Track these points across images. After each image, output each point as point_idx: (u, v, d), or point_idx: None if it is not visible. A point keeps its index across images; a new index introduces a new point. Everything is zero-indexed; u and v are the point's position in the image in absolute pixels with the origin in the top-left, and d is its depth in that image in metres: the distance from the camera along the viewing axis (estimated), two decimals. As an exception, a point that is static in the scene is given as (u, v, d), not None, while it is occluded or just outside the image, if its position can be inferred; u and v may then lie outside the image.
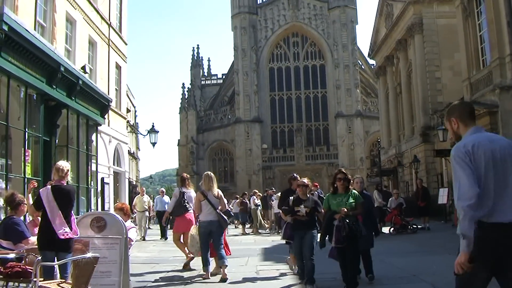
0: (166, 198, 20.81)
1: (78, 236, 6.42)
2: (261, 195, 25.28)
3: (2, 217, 9.08)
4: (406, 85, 33.34)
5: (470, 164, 3.57)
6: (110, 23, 20.47)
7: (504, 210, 3.53)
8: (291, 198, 8.34)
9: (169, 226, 18.43)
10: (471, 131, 3.79)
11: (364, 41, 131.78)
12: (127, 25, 24.13)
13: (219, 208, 9.29)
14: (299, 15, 60.39)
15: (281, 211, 8.84)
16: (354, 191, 7.76)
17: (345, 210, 7.34)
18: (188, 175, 12.12)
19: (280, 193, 14.18)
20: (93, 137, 17.48)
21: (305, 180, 8.38)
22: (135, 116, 57.51)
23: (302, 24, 60.55)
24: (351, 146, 56.97)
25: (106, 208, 17.84)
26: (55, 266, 5.99)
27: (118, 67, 21.44)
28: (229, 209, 10.16)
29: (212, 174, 9.86)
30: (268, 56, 60.99)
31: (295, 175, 9.64)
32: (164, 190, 23.39)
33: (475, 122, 3.88)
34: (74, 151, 15.35)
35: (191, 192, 11.28)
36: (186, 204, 11.02)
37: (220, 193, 9.57)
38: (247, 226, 23.90)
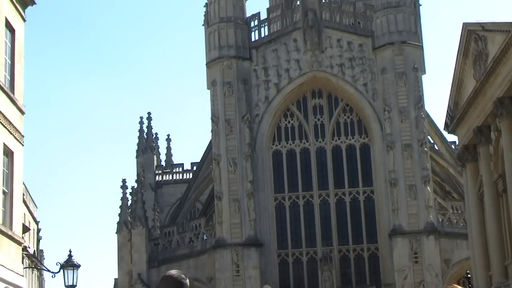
0: None
1: None
2: None
3: None
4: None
5: None
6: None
7: None
8: None
9: None
10: None
11: (436, 103, 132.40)
12: (23, 81, 24.00)
13: None
14: (323, 59, 61.00)
15: None
16: None
17: None
18: None
19: None
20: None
21: None
22: (38, 240, 56.53)
23: (329, 75, 60.79)
24: (420, 286, 55.96)
25: None
26: None
27: (7, 153, 20.99)
28: None
29: None
30: (270, 131, 61.28)
31: None
32: None
33: None
34: None
35: None
36: None
37: None
38: None
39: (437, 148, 67.80)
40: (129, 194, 64.26)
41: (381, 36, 60.10)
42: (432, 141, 66.29)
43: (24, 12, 27.90)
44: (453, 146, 65.31)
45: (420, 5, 64.51)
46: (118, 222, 62.97)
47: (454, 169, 63.50)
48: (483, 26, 35.39)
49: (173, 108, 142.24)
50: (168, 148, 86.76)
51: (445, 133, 57.84)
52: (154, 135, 79.68)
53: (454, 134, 44.92)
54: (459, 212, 58.79)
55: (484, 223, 38.35)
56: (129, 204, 63.63)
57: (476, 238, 39.19)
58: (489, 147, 37.64)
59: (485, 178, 37.59)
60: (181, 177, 79.80)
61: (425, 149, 58.60)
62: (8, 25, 26.00)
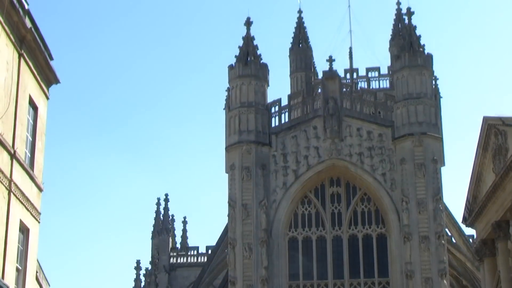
0: None
1: None
2: None
3: None
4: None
5: None
6: (15, 152, 20.49)
7: None
8: None
9: None
10: None
11: (455, 195, 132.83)
12: (44, 158, 24.19)
13: None
14: (342, 147, 60.45)
15: None
16: None
17: None
18: None
19: None
20: None
21: None
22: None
23: (348, 163, 60.37)
24: None
25: None
26: None
27: (23, 229, 21.04)
28: None
29: None
30: (287, 218, 60.48)
31: None
32: None
33: None
34: None
35: None
36: None
37: None
38: None
39: (454, 241, 66.86)
40: (143, 276, 64.23)
41: (401, 127, 60.05)
42: (449, 234, 65.50)
43: (48, 90, 28.34)
44: (471, 240, 64.64)
45: (441, 97, 65.01)
46: (130, 303, 62.85)
47: (472, 263, 62.61)
48: (503, 121, 35.56)
49: (191, 190, 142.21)
50: (184, 231, 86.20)
51: (463, 227, 57.56)
52: (171, 217, 79.60)
53: (472, 228, 44.74)
54: (476, 307, 58.13)
55: (502, 320, 37.91)
56: (142, 286, 63.47)
57: (493, 335, 38.73)
58: (508, 243, 37.39)
59: (503, 274, 37.32)
60: (195, 260, 79.07)
61: (443, 241, 57.47)
62: (32, 103, 26.44)
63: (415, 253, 56.76)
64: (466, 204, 42.66)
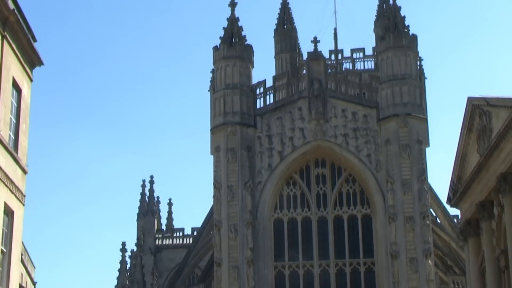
0: None
1: None
2: None
3: None
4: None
5: None
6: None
7: None
8: None
9: None
10: None
11: (440, 176, 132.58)
12: (28, 140, 24.10)
13: None
14: (327, 129, 60.45)
15: None
16: None
17: None
18: None
19: None
20: None
21: None
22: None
23: (333, 144, 60.33)
24: None
25: None
26: None
27: (8, 212, 20.98)
28: None
29: None
30: (273, 199, 60.48)
31: None
32: None
33: None
34: None
35: None
36: None
37: None
38: None
39: (439, 221, 67.02)
40: (128, 258, 64.21)
41: (386, 108, 60.13)
42: (434, 214, 65.72)
43: (31, 72, 28.21)
44: (455, 220, 65.00)
45: (426, 78, 65.30)
46: (116, 285, 62.93)
47: (456, 243, 62.84)
48: (487, 101, 35.67)
49: (176, 172, 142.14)
50: (170, 212, 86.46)
51: (447, 207, 57.88)
52: (156, 199, 79.71)
53: (456, 208, 44.95)
54: (461, 287, 58.38)
55: (486, 301, 38.16)
56: (128, 268, 63.43)
57: (477, 314, 38.98)
58: (492, 223, 37.63)
59: (487, 254, 37.53)
60: (181, 242, 79.39)
61: (427, 222, 57.69)
62: (15, 85, 26.31)
63: (400, 233, 57.06)
64: (450, 185, 42.78)
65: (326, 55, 72.45)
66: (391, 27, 61.66)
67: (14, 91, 26.24)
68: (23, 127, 26.02)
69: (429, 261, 57.06)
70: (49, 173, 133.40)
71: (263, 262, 58.82)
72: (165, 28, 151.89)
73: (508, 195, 33.97)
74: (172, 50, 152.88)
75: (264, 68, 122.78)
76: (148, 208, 76.63)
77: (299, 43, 77.62)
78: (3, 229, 22.42)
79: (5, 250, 22.51)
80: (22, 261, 37.11)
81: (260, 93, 63.33)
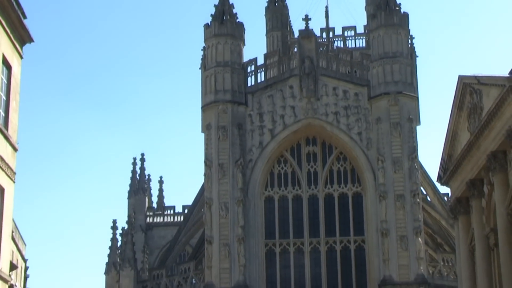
0: None
1: None
2: None
3: None
4: (506, 232, 32.93)
5: None
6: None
7: None
8: None
9: None
10: None
11: (430, 154, 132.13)
12: (18, 117, 24.02)
13: None
14: (318, 107, 61.12)
15: None
16: None
17: None
18: None
19: None
20: None
21: None
22: (25, 278, 55.96)
23: (324, 122, 60.85)
24: None
25: None
26: None
27: (-2, 189, 20.95)
28: None
29: None
30: (263, 177, 60.98)
31: None
32: None
33: None
34: None
35: None
36: None
37: None
38: None
39: (429, 199, 67.59)
40: (119, 235, 64.19)
41: (377, 86, 60.41)
42: (424, 192, 66.21)
43: (21, 49, 28.09)
44: (445, 198, 65.27)
45: (417, 56, 65.62)
46: (107, 263, 62.62)
47: (446, 221, 63.35)
48: (478, 80, 35.61)
49: (167, 150, 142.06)
50: (160, 190, 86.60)
51: (438, 185, 57.84)
52: (147, 177, 79.76)
53: (447, 186, 44.98)
54: (450, 264, 58.61)
55: (475, 277, 38.25)
56: (118, 245, 63.40)
57: (468, 292, 39.11)
58: (482, 201, 37.72)
59: (477, 232, 37.61)
60: (172, 220, 79.67)
61: (418, 200, 58.38)
62: (5, 62, 26.18)
63: (391, 211, 57.36)
64: (441, 163, 42.80)
65: (318, 33, 72.63)
66: (383, 5, 61.47)
67: (4, 68, 26.13)
68: (13, 104, 25.93)
69: (419, 239, 57.50)
70: (39, 150, 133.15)
71: (254, 240, 59.07)
72: (156, 5, 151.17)
73: (498, 173, 33.99)
74: (163, 27, 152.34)
75: (255, 46, 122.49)
76: (139, 186, 76.73)
77: (290, 21, 77.50)
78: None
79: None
80: (13, 239, 37.10)
81: (251, 71, 63.29)
